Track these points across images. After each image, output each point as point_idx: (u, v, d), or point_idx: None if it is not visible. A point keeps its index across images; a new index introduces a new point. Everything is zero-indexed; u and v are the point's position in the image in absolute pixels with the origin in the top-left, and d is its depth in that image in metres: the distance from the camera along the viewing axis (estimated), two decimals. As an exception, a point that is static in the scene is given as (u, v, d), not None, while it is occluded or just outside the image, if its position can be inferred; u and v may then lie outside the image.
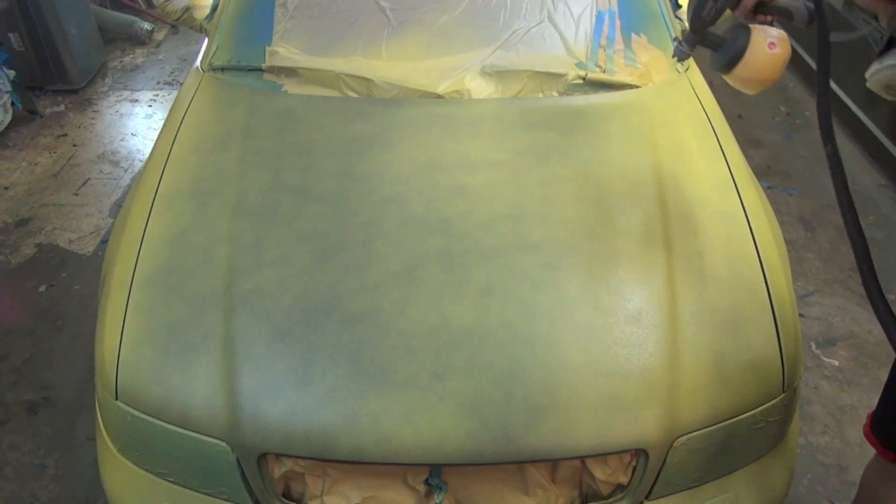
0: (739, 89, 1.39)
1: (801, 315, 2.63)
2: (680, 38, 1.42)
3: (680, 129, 1.94)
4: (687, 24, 1.39)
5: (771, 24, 1.36)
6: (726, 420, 1.42)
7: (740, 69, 1.32)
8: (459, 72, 2.03)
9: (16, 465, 2.23)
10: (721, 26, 1.36)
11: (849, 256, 2.99)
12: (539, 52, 2.09)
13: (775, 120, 3.98)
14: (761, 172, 3.46)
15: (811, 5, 1.25)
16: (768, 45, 1.29)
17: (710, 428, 1.41)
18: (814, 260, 3.00)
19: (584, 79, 2.03)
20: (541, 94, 2.02)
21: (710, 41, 1.37)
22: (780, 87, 4.12)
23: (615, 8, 2.19)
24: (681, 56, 1.43)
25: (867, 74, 1.03)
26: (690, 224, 1.66)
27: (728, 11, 1.35)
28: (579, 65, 2.06)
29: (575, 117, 1.94)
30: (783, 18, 1.34)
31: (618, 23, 2.16)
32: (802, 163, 3.63)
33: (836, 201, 0.99)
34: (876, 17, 1.07)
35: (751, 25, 1.32)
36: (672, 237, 1.63)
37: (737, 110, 3.90)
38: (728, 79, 1.37)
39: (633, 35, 2.15)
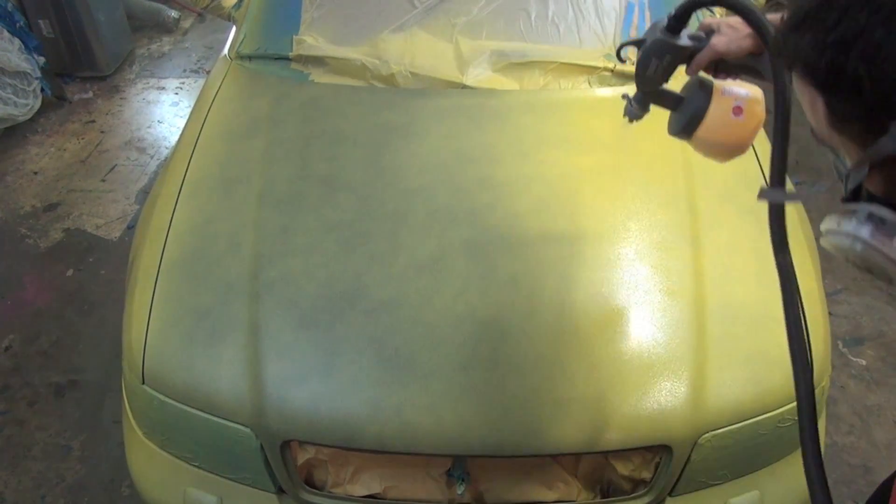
0: (708, 157, 1.14)
1: (829, 313, 2.58)
2: (629, 95, 1.19)
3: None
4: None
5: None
6: (752, 418, 1.40)
7: (702, 133, 1.08)
8: (486, 62, 2.02)
9: (43, 446, 2.27)
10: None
11: (878, 255, 2.94)
12: (567, 43, 2.07)
13: (805, 115, 3.90)
14: (790, 168, 3.36)
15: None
16: (733, 109, 1.07)
17: (736, 426, 1.39)
18: (842, 257, 2.94)
19: (612, 71, 2.01)
20: (568, 86, 2.00)
21: (664, 100, 1.14)
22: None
23: (645, -1, 2.16)
24: (632, 116, 1.20)
25: (822, 228, 0.77)
26: (719, 219, 1.64)
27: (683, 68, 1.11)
28: (608, 56, 2.03)
29: (602, 109, 1.92)
30: (750, 77, 1.13)
31: (647, 14, 2.13)
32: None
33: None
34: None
35: (715, 82, 1.10)
36: (700, 232, 1.61)
37: (765, 105, 3.83)
38: (691, 145, 1.13)
39: (663, 27, 2.11)
